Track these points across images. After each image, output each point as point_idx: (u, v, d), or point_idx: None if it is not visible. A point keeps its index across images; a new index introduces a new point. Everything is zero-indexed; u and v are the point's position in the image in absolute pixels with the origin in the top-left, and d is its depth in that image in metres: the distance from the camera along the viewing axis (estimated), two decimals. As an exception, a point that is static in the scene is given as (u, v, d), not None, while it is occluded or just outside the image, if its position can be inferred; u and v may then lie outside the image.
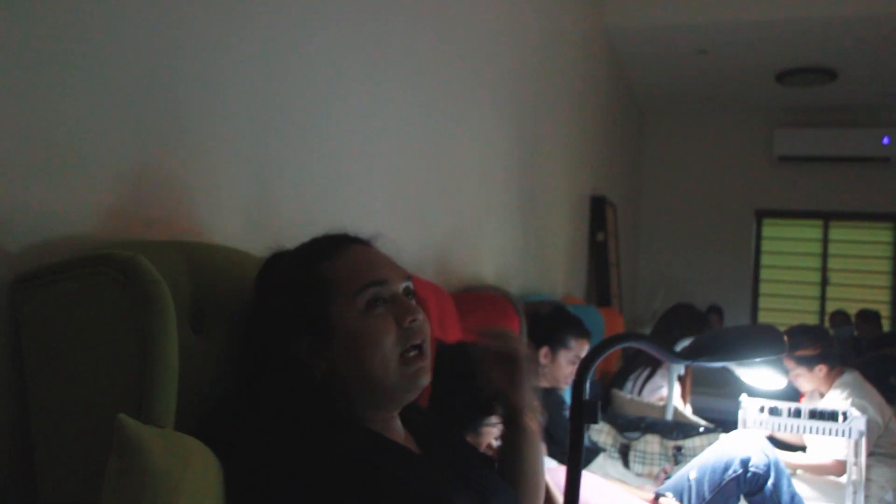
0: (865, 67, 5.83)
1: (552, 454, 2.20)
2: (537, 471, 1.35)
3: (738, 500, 2.12)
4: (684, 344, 3.13)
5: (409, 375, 1.06)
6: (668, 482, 2.20)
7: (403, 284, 1.11)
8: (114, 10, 1.14)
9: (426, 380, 1.09)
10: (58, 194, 1.06)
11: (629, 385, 3.48)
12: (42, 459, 0.95)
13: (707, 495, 2.10)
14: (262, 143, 1.53)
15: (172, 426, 0.91)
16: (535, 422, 1.36)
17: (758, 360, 1.74)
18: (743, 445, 2.15)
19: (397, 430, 1.13)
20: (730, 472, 2.10)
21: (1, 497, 0.98)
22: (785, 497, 2.11)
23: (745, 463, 2.10)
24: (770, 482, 2.10)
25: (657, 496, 1.96)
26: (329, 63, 1.78)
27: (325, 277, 1.07)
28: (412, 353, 1.07)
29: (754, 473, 2.10)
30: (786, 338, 1.75)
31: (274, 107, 1.57)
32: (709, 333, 1.72)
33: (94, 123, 1.11)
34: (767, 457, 2.13)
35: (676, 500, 2.07)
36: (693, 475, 2.13)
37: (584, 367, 1.46)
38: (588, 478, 1.56)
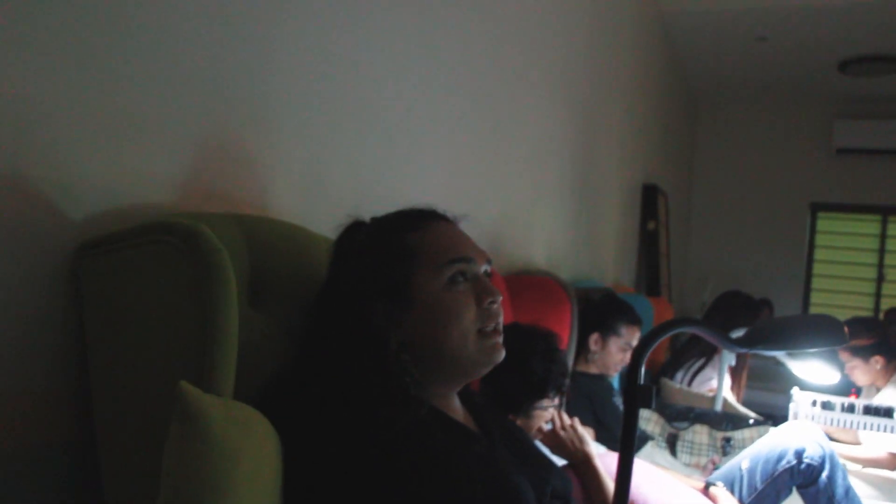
0: (932, 57, 5.62)
1: (601, 440, 2.18)
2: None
3: (791, 491, 2.07)
4: (738, 332, 3.08)
5: (487, 349, 1.07)
6: (719, 472, 2.16)
7: (484, 266, 1.11)
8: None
9: (501, 356, 1.09)
10: (119, 164, 1.06)
11: (679, 375, 3.43)
12: (102, 426, 0.96)
13: (759, 485, 2.06)
14: (318, 120, 1.53)
15: (231, 396, 0.91)
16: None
17: (815, 350, 1.69)
18: (798, 436, 2.10)
19: (457, 409, 1.12)
20: (783, 462, 2.05)
21: (61, 463, 1.00)
22: (839, 490, 2.06)
23: (799, 454, 2.05)
24: (825, 474, 2.05)
25: (707, 485, 1.92)
26: (385, 44, 1.76)
27: (411, 247, 1.07)
28: (489, 329, 1.08)
29: (808, 465, 2.05)
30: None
31: (331, 85, 1.56)
32: (766, 321, 1.67)
33: (153, 94, 1.12)
34: (823, 449, 2.07)
35: (728, 489, 2.03)
36: (745, 465, 2.09)
37: (639, 351, 1.44)
38: (639, 464, 1.54)
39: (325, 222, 1.42)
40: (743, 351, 1.63)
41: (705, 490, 1.89)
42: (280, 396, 0.98)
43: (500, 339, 1.09)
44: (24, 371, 0.94)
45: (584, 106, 3.56)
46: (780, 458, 2.06)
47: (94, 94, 1.01)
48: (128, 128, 1.07)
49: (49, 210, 0.96)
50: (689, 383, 3.31)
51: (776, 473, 2.05)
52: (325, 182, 1.56)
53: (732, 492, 2.06)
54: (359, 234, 1.12)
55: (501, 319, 1.10)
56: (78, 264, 0.98)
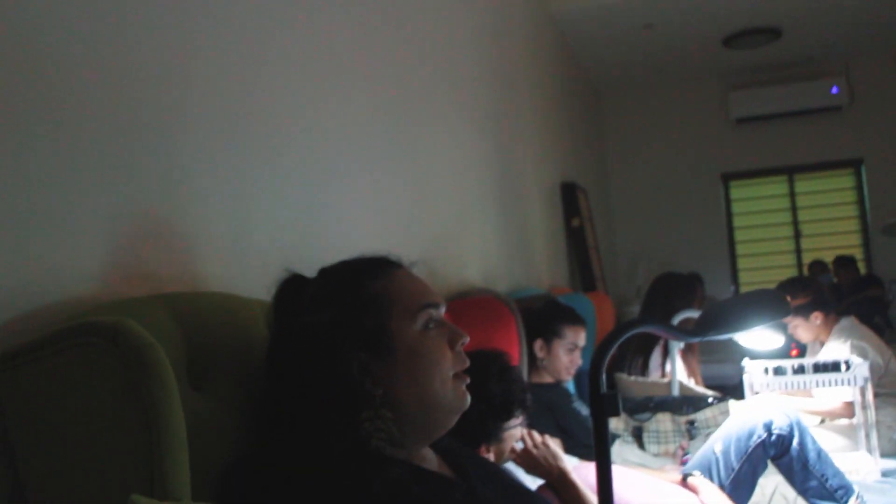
0: (807, 22, 5.87)
1: (568, 448, 2.15)
2: None
3: (766, 465, 2.09)
4: (683, 315, 3.11)
5: (460, 395, 1.06)
6: (694, 460, 2.16)
7: (443, 309, 1.09)
8: (85, 56, 1.07)
9: (468, 403, 1.08)
10: (26, 261, 0.98)
11: (629, 367, 3.44)
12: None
13: (735, 465, 2.07)
14: (235, 181, 1.46)
15: (189, 497, 0.84)
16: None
17: (760, 326, 1.71)
18: (763, 410, 2.12)
19: (430, 459, 1.08)
20: (755, 438, 2.07)
21: None
22: (811, 454, 2.08)
23: (768, 426, 2.07)
24: (795, 441, 2.08)
25: (685, 476, 1.91)
26: (296, 94, 1.72)
27: (381, 295, 1.03)
28: (460, 372, 1.06)
29: (779, 435, 2.07)
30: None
31: (243, 143, 1.50)
32: (712, 307, 1.68)
33: (55, 180, 1.04)
34: (789, 417, 2.10)
35: (705, 476, 2.03)
36: (718, 448, 2.10)
37: (598, 358, 1.41)
38: (614, 469, 1.51)
39: (255, 285, 1.36)
40: (696, 340, 1.63)
41: (683, 481, 1.88)
42: (244, 479, 0.91)
43: (466, 384, 1.07)
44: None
45: (495, 117, 3.56)
46: (750, 435, 2.08)
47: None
48: (31, 220, 0.99)
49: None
50: (642, 373, 3.32)
51: (749, 450, 2.07)
52: (250, 243, 1.49)
53: (711, 477, 2.06)
54: (309, 287, 1.06)
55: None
56: (-3, 379, 0.89)
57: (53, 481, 0.86)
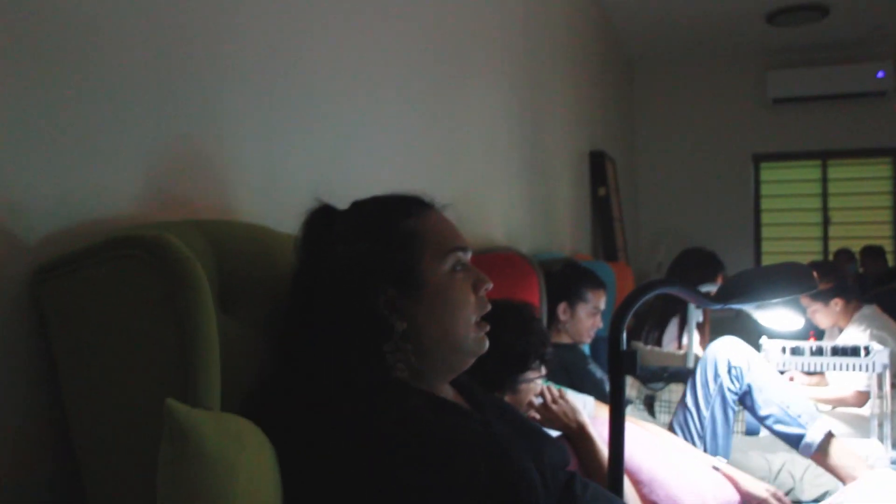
0: (858, 1, 5.74)
1: (582, 411, 2.18)
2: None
3: (735, 405, 2.12)
4: (706, 288, 3.12)
5: (480, 340, 1.08)
6: (673, 422, 2.20)
7: (470, 254, 1.11)
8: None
9: (486, 347, 1.10)
10: (68, 181, 1.01)
11: (645, 337, 3.47)
12: (85, 455, 0.91)
13: (706, 413, 2.10)
14: (272, 116, 1.48)
15: (219, 408, 0.87)
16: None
17: (785, 298, 1.72)
18: (718, 353, 2.16)
19: (448, 392, 1.11)
20: (716, 382, 2.10)
21: (45, 500, 0.95)
22: (768, 384, 2.11)
23: (727, 367, 2.11)
24: (752, 374, 2.11)
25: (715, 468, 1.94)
26: (334, 37, 1.73)
27: (414, 232, 1.04)
28: (480, 318, 1.08)
29: (737, 368, 2.11)
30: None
31: (282, 80, 1.52)
32: (737, 276, 1.69)
33: (97, 104, 1.06)
34: (743, 353, 2.13)
35: (685, 432, 2.08)
36: (689, 401, 2.14)
37: (619, 317, 1.44)
38: (631, 430, 1.54)
39: (286, 219, 1.39)
40: (718, 307, 1.64)
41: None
42: (269, 402, 0.94)
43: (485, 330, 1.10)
44: (-7, 409, 0.89)
45: (527, 81, 3.55)
46: (713, 378, 2.12)
47: (34, 109, 0.96)
48: (74, 142, 1.02)
49: (0, 234, 0.91)
50: (658, 343, 3.34)
51: (715, 393, 2.10)
52: (283, 178, 1.52)
53: (690, 432, 2.10)
54: (341, 219, 1.08)
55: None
56: (38, 289, 0.93)
57: (90, 387, 0.90)
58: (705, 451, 2.09)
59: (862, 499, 1.75)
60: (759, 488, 1.88)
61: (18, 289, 0.92)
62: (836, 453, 2.04)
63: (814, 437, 2.03)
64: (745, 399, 2.13)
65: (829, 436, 2.05)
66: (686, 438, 2.13)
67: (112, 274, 0.88)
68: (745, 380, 2.11)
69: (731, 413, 2.14)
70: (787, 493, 2.24)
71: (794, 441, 2.07)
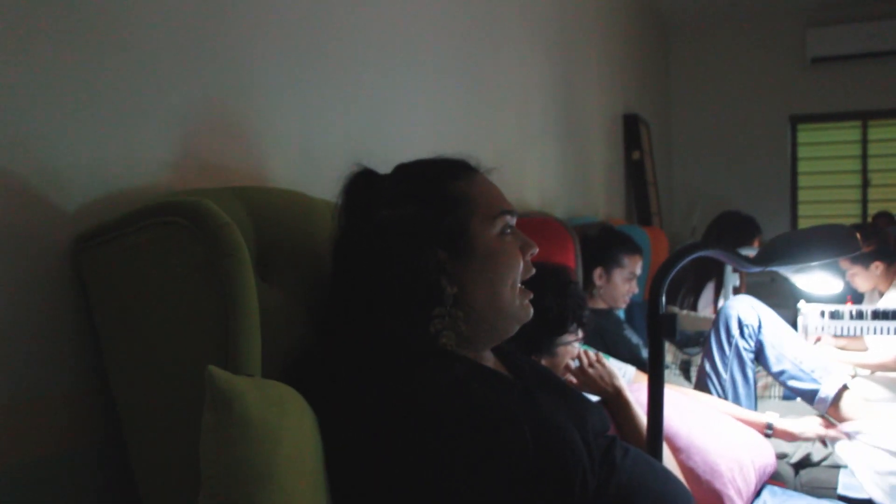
0: (900, -46, 5.54)
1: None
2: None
3: (753, 363, 2.10)
4: (745, 252, 3.06)
5: (525, 307, 1.07)
6: (698, 386, 2.18)
7: (516, 218, 1.09)
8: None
9: (531, 314, 1.09)
10: (106, 149, 1.01)
11: (680, 301, 3.43)
12: (129, 422, 0.92)
13: (725, 375, 2.08)
14: (307, 83, 1.47)
15: (260, 375, 0.87)
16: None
17: (826, 262, 1.67)
18: (730, 310, 2.13)
19: (490, 359, 1.09)
20: (732, 343, 2.07)
21: (91, 466, 0.96)
22: (781, 339, 2.08)
23: (739, 325, 2.08)
24: (764, 329, 2.08)
25: (769, 426, 1.92)
26: (365, 7, 1.70)
27: (463, 195, 1.03)
28: (526, 287, 1.07)
29: (749, 326, 2.08)
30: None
31: (317, 47, 1.51)
32: (777, 238, 1.65)
33: (133, 71, 1.05)
34: (753, 308, 2.10)
35: (712, 394, 2.06)
36: (707, 364, 2.11)
37: (658, 280, 1.41)
38: (670, 395, 1.52)
39: (323, 186, 1.37)
40: (759, 269, 1.60)
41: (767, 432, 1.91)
42: (310, 369, 0.94)
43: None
44: (38, 376, 0.90)
45: (561, 44, 3.49)
46: (727, 339, 2.09)
47: (71, 78, 0.95)
48: (111, 110, 1.01)
49: (40, 205, 0.91)
50: (693, 308, 3.30)
51: (731, 354, 2.08)
52: (319, 145, 1.51)
53: (715, 394, 2.08)
54: (385, 182, 1.06)
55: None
56: (78, 257, 0.93)
57: (132, 353, 0.90)
58: None
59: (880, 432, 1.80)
60: (811, 427, 1.87)
61: (59, 258, 0.92)
62: (851, 406, 2.00)
63: (828, 391, 1.99)
64: (759, 356, 2.10)
65: (844, 388, 2.01)
66: None
67: (152, 241, 0.88)
68: (759, 337, 2.07)
69: (750, 372, 2.11)
70: (825, 458, 2.21)
71: (808, 396, 2.03)
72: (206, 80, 1.19)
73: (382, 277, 0.98)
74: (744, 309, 2.10)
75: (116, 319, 0.91)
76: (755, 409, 2.15)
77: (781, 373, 2.06)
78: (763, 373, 2.29)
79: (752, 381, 2.12)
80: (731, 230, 3.38)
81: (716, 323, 2.16)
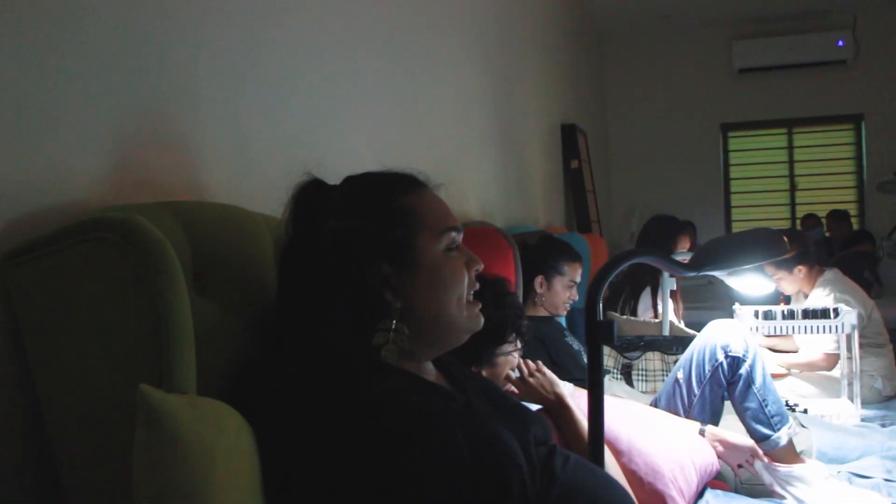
0: (818, -30, 5.76)
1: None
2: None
3: (726, 387, 2.13)
4: (679, 255, 3.13)
5: (474, 316, 1.07)
6: (661, 392, 2.20)
7: (462, 234, 1.09)
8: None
9: (481, 324, 1.09)
10: (36, 162, 0.97)
11: (620, 307, 3.48)
12: (60, 442, 0.88)
13: (697, 390, 2.11)
14: (243, 95, 1.45)
15: (195, 392, 0.84)
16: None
17: (756, 265, 1.72)
18: (721, 334, 2.16)
19: (430, 372, 1.09)
20: (713, 362, 2.11)
21: (20, 486, 0.92)
22: (758, 378, 2.12)
23: (725, 349, 2.12)
24: (747, 364, 2.11)
25: (701, 432, 1.95)
26: (302, 11, 1.69)
27: (410, 210, 1.02)
28: (473, 297, 1.08)
29: (734, 357, 2.11)
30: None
31: (252, 58, 1.48)
32: (709, 243, 1.68)
33: (64, 81, 1.02)
34: (745, 341, 2.13)
35: (672, 403, 2.09)
36: (680, 375, 2.14)
37: (595, 287, 1.42)
38: (610, 401, 1.54)
39: (259, 199, 1.36)
40: (693, 274, 1.63)
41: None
42: (247, 384, 0.92)
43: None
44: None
45: (499, 57, 3.52)
46: (709, 360, 2.12)
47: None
48: (40, 122, 0.98)
49: (-38, 221, 0.87)
50: (633, 313, 3.35)
51: (709, 374, 2.11)
52: (255, 158, 1.48)
53: (676, 404, 2.11)
54: (333, 194, 1.05)
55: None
56: (5, 275, 0.89)
57: (63, 372, 0.87)
58: None
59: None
60: (745, 441, 1.91)
61: (-15, 275, 0.89)
62: (788, 454, 2.11)
63: (777, 440, 2.09)
64: (731, 385, 2.14)
65: (790, 443, 2.12)
66: (672, 411, 2.14)
67: (82, 258, 0.85)
68: (740, 370, 2.11)
69: (720, 392, 2.15)
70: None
71: (757, 436, 2.11)
72: (139, 91, 1.16)
73: (327, 289, 0.97)
74: (734, 337, 2.14)
75: (47, 338, 0.88)
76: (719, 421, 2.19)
77: (746, 409, 2.12)
78: None
79: (719, 404, 2.16)
80: (656, 232, 3.45)
81: (701, 339, 2.19)
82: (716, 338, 2.15)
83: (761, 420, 2.11)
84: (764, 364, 2.16)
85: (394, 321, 0.98)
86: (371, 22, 2.09)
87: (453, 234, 1.05)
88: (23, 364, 0.91)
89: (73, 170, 1.03)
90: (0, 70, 0.92)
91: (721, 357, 2.12)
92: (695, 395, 2.13)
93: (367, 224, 0.99)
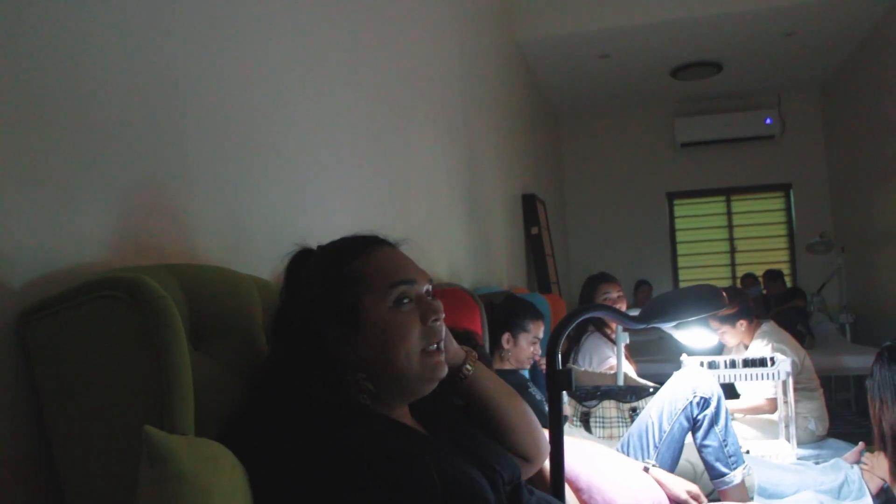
0: (745, 58, 6.04)
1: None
2: (502, 390, 1.27)
3: (691, 426, 2.17)
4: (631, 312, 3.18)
5: (431, 367, 1.06)
6: (633, 427, 2.23)
7: (426, 286, 1.10)
8: (96, 46, 1.09)
9: (444, 373, 1.09)
10: (50, 229, 1.01)
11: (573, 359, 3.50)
12: (70, 484, 0.89)
13: (666, 427, 2.15)
14: (234, 168, 1.49)
15: (193, 434, 0.87)
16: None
17: (700, 317, 1.78)
18: (692, 379, 2.21)
19: (407, 416, 1.11)
20: (682, 401, 2.16)
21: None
22: (721, 420, 2.17)
23: (694, 391, 2.16)
24: (713, 406, 2.17)
25: (645, 469, 1.97)
26: (290, 96, 1.76)
27: (358, 273, 1.05)
28: (433, 348, 1.06)
29: (702, 398, 2.16)
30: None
31: (243, 135, 1.53)
32: (656, 298, 1.74)
33: (75, 158, 1.06)
34: (711, 386, 2.19)
35: (642, 438, 2.12)
36: (654, 413, 2.18)
37: (554, 340, 1.47)
38: (569, 441, 1.56)
39: (249, 262, 1.40)
40: (641, 327, 1.69)
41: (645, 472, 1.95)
42: (240, 428, 0.95)
43: (442, 358, 1.08)
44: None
45: (464, 132, 3.62)
46: (679, 399, 2.17)
47: (16, 160, 0.95)
48: (55, 192, 1.02)
49: (-14, 282, 0.90)
50: (574, 362, 3.39)
51: (678, 413, 2.16)
52: (245, 225, 1.52)
53: (647, 439, 2.14)
54: (307, 262, 1.10)
55: (443, 335, 1.09)
56: (23, 330, 0.91)
57: (73, 420, 0.89)
58: (657, 459, 2.13)
59: None
60: (681, 489, 1.92)
61: (5, 330, 0.91)
62: (739, 493, 2.17)
63: (732, 479, 2.16)
64: (696, 424, 2.19)
65: (742, 483, 2.18)
66: (642, 446, 2.17)
67: (92, 313, 0.88)
68: (706, 411, 2.17)
69: (684, 434, 2.19)
70: (710, 493, 2.29)
71: (716, 474, 2.17)
72: (142, 165, 1.21)
73: (295, 349, 1.03)
74: (704, 382, 2.19)
75: (59, 386, 0.90)
76: (677, 460, 2.22)
77: (706, 446, 2.18)
78: None
79: (682, 439, 2.20)
80: (586, 287, 3.53)
81: (674, 381, 2.24)
82: (687, 381, 2.21)
83: (720, 458, 2.16)
84: (726, 409, 2.21)
85: (353, 374, 1.02)
86: (349, 103, 2.16)
87: (402, 287, 1.05)
88: (37, 412, 0.92)
89: (85, 236, 1.07)
90: (21, 150, 0.96)
91: (690, 396, 2.17)
92: (664, 432, 2.17)
93: (320, 291, 1.05)
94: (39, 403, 0.92)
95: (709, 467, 2.18)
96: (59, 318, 0.89)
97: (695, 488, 1.94)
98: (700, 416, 2.17)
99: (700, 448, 2.19)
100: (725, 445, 2.17)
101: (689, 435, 2.22)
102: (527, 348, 2.58)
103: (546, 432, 1.57)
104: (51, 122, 1.02)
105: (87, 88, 1.10)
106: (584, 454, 1.78)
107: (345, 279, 1.05)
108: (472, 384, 1.22)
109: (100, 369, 0.87)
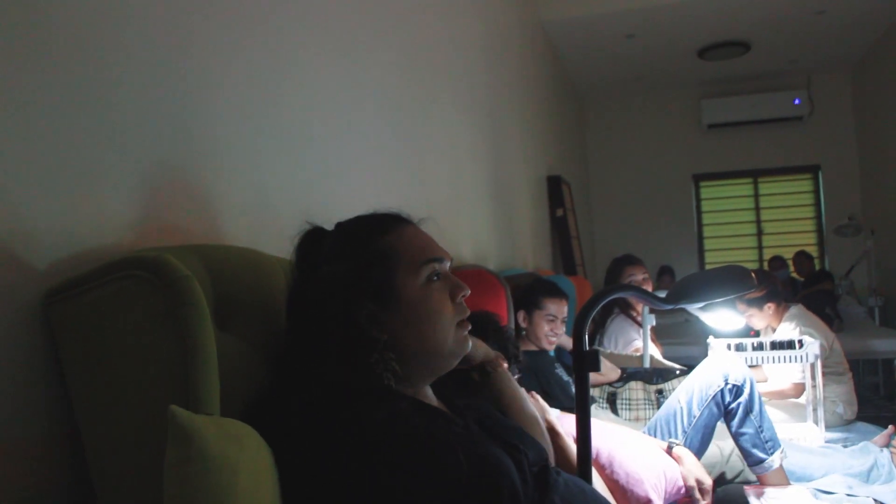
0: (774, 37, 5.90)
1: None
2: (520, 397, 1.37)
3: (721, 414, 2.13)
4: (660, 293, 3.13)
5: (462, 340, 1.07)
6: (661, 412, 2.19)
7: (448, 263, 1.09)
8: (122, 27, 1.08)
9: (469, 347, 1.09)
10: (75, 209, 1.00)
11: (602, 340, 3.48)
12: (96, 463, 0.89)
13: (696, 412, 2.11)
14: (260, 147, 1.48)
15: (219, 414, 0.86)
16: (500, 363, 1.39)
17: (727, 299, 1.73)
18: (722, 365, 2.16)
19: (431, 397, 1.10)
20: (713, 388, 2.11)
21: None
22: (755, 406, 2.13)
23: (725, 378, 2.12)
24: (746, 393, 2.12)
25: (670, 446, 1.93)
26: (317, 75, 1.74)
27: (388, 249, 1.03)
28: (461, 321, 1.07)
29: (734, 385, 2.12)
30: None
31: (269, 114, 1.52)
32: (684, 279, 1.70)
33: (99, 137, 1.05)
34: (744, 372, 2.14)
35: (671, 423, 2.08)
36: (683, 398, 2.14)
37: (579, 321, 1.44)
38: (597, 423, 1.54)
39: (274, 241, 1.39)
40: (670, 308, 1.65)
41: (668, 451, 1.91)
42: (266, 408, 0.93)
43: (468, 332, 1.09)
44: (10, 422, 0.87)
45: (489, 114, 3.58)
46: (710, 386, 2.13)
47: (41, 141, 0.95)
48: (79, 173, 1.01)
49: (13, 263, 0.89)
50: (600, 343, 3.37)
51: (708, 399, 2.12)
52: (271, 205, 1.51)
53: (675, 424, 2.10)
54: (325, 240, 1.08)
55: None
56: (48, 310, 0.91)
57: (99, 399, 0.88)
58: (686, 444, 2.09)
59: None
60: (692, 475, 1.86)
61: (31, 311, 0.90)
62: (777, 478, 2.13)
63: (771, 464, 2.12)
64: (729, 411, 2.15)
65: (780, 466, 2.13)
66: (670, 430, 2.13)
67: (117, 293, 0.87)
68: (739, 399, 2.13)
69: (716, 417, 2.15)
70: (737, 475, 2.26)
71: (755, 461, 2.13)
72: (166, 145, 1.20)
73: (323, 329, 1.00)
74: (735, 368, 2.15)
75: (84, 367, 0.90)
76: (707, 447, 2.19)
77: (742, 434, 2.14)
78: None
79: (713, 427, 2.16)
80: (611, 271, 3.50)
81: (705, 367, 2.20)
82: (718, 367, 2.16)
83: (757, 445, 2.12)
84: (759, 394, 2.17)
85: (382, 353, 1.00)
86: (375, 83, 2.14)
87: (434, 265, 1.05)
88: (63, 391, 0.92)
89: (109, 217, 1.06)
90: (47, 132, 0.95)
91: (722, 382, 2.13)
92: (693, 417, 2.14)
93: (349, 267, 1.02)
94: (65, 384, 0.91)
95: (746, 454, 2.14)
96: (84, 298, 0.88)
97: (707, 482, 1.87)
98: (733, 405, 2.13)
99: (736, 436, 2.15)
100: (762, 431, 2.12)
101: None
102: (542, 325, 2.54)
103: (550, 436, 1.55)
104: (75, 103, 1.01)
105: (113, 70, 1.09)
106: (604, 430, 1.76)
107: (376, 256, 1.03)
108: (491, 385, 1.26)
109: (125, 349, 0.86)
